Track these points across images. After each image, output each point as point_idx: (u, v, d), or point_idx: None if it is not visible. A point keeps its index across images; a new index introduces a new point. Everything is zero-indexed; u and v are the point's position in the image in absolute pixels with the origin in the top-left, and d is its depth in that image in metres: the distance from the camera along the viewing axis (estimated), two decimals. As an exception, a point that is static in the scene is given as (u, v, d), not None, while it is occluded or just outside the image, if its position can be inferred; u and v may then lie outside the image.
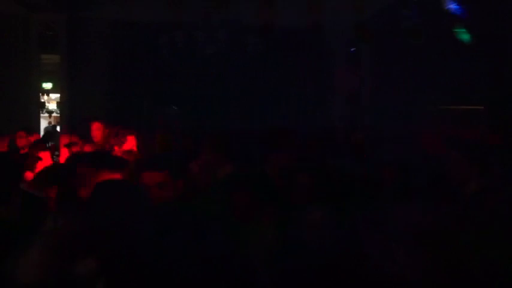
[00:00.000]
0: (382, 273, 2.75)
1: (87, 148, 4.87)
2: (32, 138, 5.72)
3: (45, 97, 10.80)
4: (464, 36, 6.60)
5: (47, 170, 3.16)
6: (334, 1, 7.19)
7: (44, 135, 8.96)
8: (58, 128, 9.20)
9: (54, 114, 10.89)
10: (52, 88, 10.78)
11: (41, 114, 9.46)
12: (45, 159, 4.53)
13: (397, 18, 6.86)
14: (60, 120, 8.73)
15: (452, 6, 6.47)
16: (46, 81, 10.37)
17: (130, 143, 4.93)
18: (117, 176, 2.50)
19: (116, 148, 4.80)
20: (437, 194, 3.96)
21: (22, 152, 5.31)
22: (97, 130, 5.44)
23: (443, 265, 2.74)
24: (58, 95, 9.61)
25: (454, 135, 4.53)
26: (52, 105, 11.14)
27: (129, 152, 4.62)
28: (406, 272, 2.66)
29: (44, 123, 10.11)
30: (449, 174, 3.38)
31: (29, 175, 3.81)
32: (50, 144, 7.32)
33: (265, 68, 8.42)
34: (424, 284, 2.65)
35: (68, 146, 5.09)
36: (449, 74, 6.98)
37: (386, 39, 7.52)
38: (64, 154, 4.97)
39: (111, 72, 8.32)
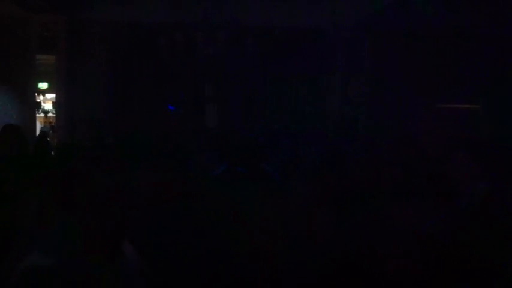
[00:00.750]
0: (382, 272, 2.73)
1: None
2: None
3: (41, 97, 10.76)
4: None
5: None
6: (334, 1, 7.20)
7: (39, 136, 8.90)
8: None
9: (49, 114, 10.85)
10: (47, 88, 10.75)
11: (37, 114, 9.41)
12: None
13: (396, 18, 6.86)
14: (56, 121, 8.69)
15: None
16: (41, 81, 10.33)
17: None
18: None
19: None
20: (437, 195, 3.95)
21: None
22: None
23: (443, 266, 2.72)
24: (53, 95, 9.57)
25: (456, 135, 4.48)
26: (47, 105, 11.10)
27: None
28: (405, 271, 2.64)
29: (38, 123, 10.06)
30: (450, 175, 3.36)
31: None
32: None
33: (265, 69, 8.40)
34: (423, 284, 2.63)
35: None
36: (447, 72, 6.99)
37: (386, 38, 7.53)
38: None
39: (108, 73, 8.28)
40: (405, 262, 2.74)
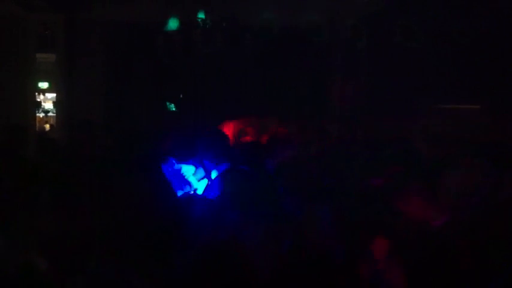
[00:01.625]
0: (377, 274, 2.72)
1: None
2: None
3: (41, 96, 10.75)
4: None
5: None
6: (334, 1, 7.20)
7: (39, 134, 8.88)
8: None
9: (50, 114, 10.82)
10: (48, 87, 10.74)
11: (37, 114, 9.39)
12: None
13: (395, 18, 6.86)
14: (57, 120, 8.68)
15: None
16: (42, 81, 10.32)
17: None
18: None
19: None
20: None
21: None
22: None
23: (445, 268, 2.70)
24: (54, 95, 9.55)
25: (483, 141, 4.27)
26: (48, 105, 11.07)
27: None
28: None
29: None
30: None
31: None
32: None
33: (263, 68, 8.39)
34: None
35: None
36: (446, 72, 6.97)
37: (384, 38, 7.52)
38: None
39: (108, 72, 8.28)
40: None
